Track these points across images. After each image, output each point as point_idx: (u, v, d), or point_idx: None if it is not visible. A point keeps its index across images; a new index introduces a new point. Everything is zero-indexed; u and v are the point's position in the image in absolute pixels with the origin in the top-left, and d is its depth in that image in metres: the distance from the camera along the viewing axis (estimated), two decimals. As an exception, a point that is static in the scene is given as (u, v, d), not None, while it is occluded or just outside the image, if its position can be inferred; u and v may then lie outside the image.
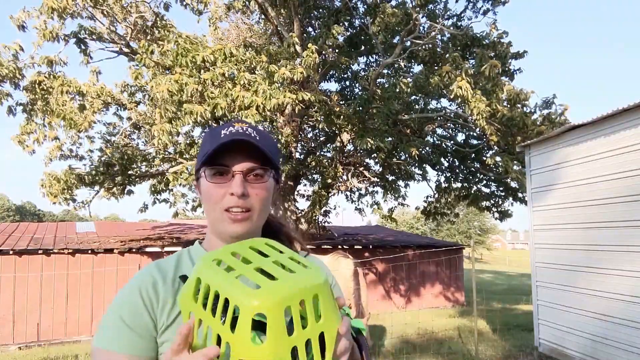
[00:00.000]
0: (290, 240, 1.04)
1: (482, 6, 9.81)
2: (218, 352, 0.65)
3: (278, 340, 0.63)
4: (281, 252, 0.78)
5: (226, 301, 0.64)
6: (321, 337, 0.68)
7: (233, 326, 0.64)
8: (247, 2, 9.97)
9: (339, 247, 12.14)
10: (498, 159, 8.99)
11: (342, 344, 0.72)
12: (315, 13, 10.13)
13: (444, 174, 11.63)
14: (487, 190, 11.44)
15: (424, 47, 8.75)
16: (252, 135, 0.90)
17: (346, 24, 9.78)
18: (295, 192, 10.60)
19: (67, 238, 11.06)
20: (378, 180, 10.60)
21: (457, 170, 11.36)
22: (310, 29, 10.50)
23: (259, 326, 0.65)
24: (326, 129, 9.59)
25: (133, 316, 0.84)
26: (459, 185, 11.51)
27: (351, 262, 6.17)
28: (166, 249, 10.49)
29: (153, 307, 0.86)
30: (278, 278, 0.67)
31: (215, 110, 6.40)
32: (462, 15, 10.15)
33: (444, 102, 10.53)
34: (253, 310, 0.62)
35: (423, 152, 10.26)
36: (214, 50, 6.75)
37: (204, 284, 0.69)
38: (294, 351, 0.65)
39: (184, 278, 0.87)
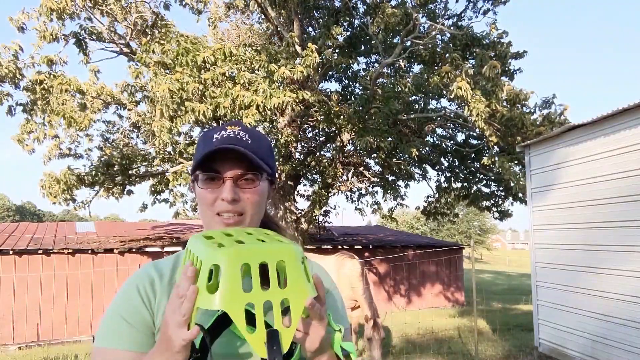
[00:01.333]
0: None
1: (483, 6, 9.81)
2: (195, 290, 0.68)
3: (231, 293, 0.66)
4: (268, 234, 0.80)
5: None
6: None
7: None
8: (247, 2, 9.98)
9: (339, 247, 12.14)
10: (496, 159, 8.99)
11: (313, 324, 0.73)
12: (315, 13, 10.13)
13: (444, 174, 11.63)
14: (487, 190, 11.45)
15: (424, 47, 8.75)
16: (244, 139, 0.91)
17: (346, 24, 9.78)
18: (295, 192, 10.60)
19: (67, 238, 11.06)
20: (378, 180, 10.60)
21: (457, 170, 11.35)
22: (310, 29, 10.50)
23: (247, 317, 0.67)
24: (326, 129, 9.59)
25: (132, 312, 0.85)
26: (459, 185, 11.51)
27: (357, 263, 6.16)
28: (166, 249, 10.49)
29: (151, 303, 0.87)
30: (245, 243, 0.71)
31: (217, 109, 6.40)
32: (463, 15, 10.15)
33: (444, 102, 10.54)
34: (209, 262, 0.67)
35: (423, 152, 10.26)
36: (214, 50, 6.75)
37: (190, 254, 0.74)
38: (252, 316, 0.67)
39: None
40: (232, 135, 0.90)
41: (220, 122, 7.23)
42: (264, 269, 0.68)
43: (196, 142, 8.32)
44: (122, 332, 0.84)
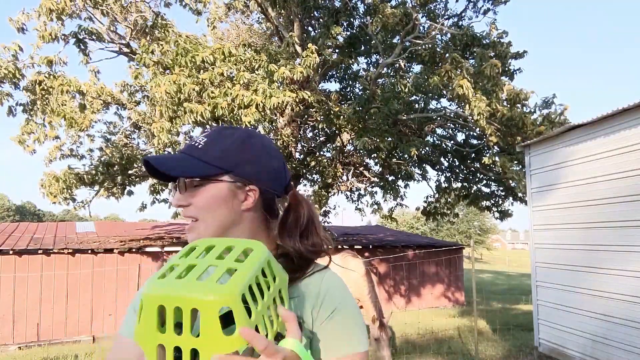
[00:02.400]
0: (292, 252, 0.95)
1: (483, 6, 9.81)
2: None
3: (144, 331, 0.65)
4: (229, 257, 0.73)
5: (178, 310, 0.63)
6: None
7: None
8: (247, 2, 9.98)
9: (339, 247, 12.14)
10: (497, 159, 8.99)
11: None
12: (315, 13, 10.13)
13: (444, 174, 11.63)
14: (487, 190, 11.45)
15: (424, 46, 8.75)
16: (197, 144, 0.90)
17: (345, 24, 9.78)
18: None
19: (67, 238, 11.06)
20: (378, 180, 10.60)
21: (457, 170, 11.35)
22: (310, 29, 10.50)
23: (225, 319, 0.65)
24: (326, 129, 9.59)
25: None
26: (459, 185, 11.51)
27: (361, 262, 6.13)
28: (166, 248, 10.49)
29: None
30: (181, 278, 0.67)
31: (215, 110, 6.40)
32: (463, 14, 10.16)
33: (444, 102, 10.55)
34: (217, 305, 0.62)
35: (423, 152, 10.26)
36: (213, 50, 6.74)
37: (154, 304, 0.65)
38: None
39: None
40: (188, 142, 0.96)
41: (220, 122, 7.23)
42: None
43: None
44: (130, 322, 0.92)
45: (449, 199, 11.84)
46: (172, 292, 0.64)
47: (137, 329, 0.65)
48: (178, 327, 0.64)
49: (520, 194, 10.44)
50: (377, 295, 5.97)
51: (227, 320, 0.64)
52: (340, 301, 0.88)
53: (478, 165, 10.57)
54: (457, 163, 11.20)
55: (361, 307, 6.00)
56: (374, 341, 5.49)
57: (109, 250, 10.06)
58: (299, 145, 10.57)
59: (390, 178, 10.85)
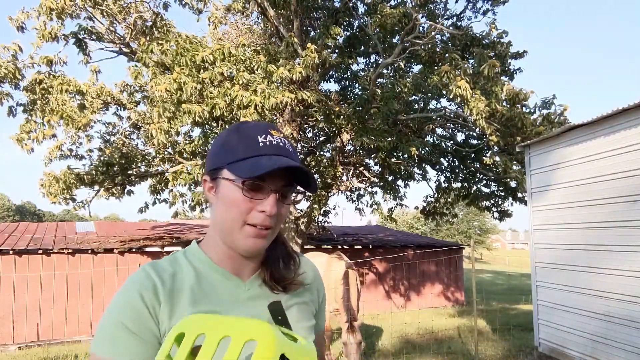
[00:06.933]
0: (285, 243, 1.01)
1: (482, 6, 9.81)
2: None
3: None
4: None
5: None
6: None
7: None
8: (246, 3, 9.97)
9: (339, 247, 12.14)
10: (497, 158, 8.99)
11: None
12: (315, 14, 10.12)
13: (444, 174, 11.63)
14: (487, 190, 11.45)
15: (423, 47, 8.74)
16: (290, 150, 0.89)
17: (345, 24, 9.78)
18: (295, 192, 10.56)
19: (67, 238, 11.06)
20: (378, 180, 10.59)
21: (457, 170, 11.35)
22: (310, 29, 10.50)
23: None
24: (326, 129, 9.59)
25: (137, 322, 0.81)
26: (459, 185, 11.51)
27: (343, 265, 6.01)
28: (166, 248, 10.49)
29: (156, 311, 0.83)
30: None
31: (213, 110, 6.40)
32: (462, 15, 10.15)
33: (444, 102, 10.54)
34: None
35: (423, 152, 10.25)
36: (213, 50, 6.74)
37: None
38: None
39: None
40: (281, 145, 0.87)
41: (220, 122, 7.23)
42: None
43: (194, 141, 8.33)
44: (122, 342, 0.79)
45: (448, 199, 11.85)
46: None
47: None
48: None
49: (520, 194, 10.44)
50: (354, 297, 5.73)
51: None
52: (309, 280, 1.04)
53: (478, 165, 10.57)
54: (457, 163, 11.19)
55: (337, 309, 5.88)
56: (342, 345, 5.32)
57: (109, 250, 10.06)
58: (299, 145, 10.57)
59: (390, 178, 10.85)
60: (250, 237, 0.85)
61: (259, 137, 0.86)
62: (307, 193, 0.92)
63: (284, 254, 0.98)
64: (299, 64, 6.96)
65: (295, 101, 6.85)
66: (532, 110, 8.95)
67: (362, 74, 10.71)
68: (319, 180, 10.22)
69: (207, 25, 9.34)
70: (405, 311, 11.94)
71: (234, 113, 6.50)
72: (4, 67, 7.10)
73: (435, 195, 11.83)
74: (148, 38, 8.19)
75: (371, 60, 11.07)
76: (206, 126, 8.13)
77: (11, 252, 9.26)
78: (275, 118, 8.74)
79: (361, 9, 9.60)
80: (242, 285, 0.91)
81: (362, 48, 10.22)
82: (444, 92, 8.13)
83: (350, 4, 9.25)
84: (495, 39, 9.17)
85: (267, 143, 0.86)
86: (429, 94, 9.84)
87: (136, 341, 0.80)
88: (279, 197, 0.86)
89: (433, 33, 8.28)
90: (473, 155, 10.44)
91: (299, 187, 0.90)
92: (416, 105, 10.27)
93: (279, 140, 0.88)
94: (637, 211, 5.11)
